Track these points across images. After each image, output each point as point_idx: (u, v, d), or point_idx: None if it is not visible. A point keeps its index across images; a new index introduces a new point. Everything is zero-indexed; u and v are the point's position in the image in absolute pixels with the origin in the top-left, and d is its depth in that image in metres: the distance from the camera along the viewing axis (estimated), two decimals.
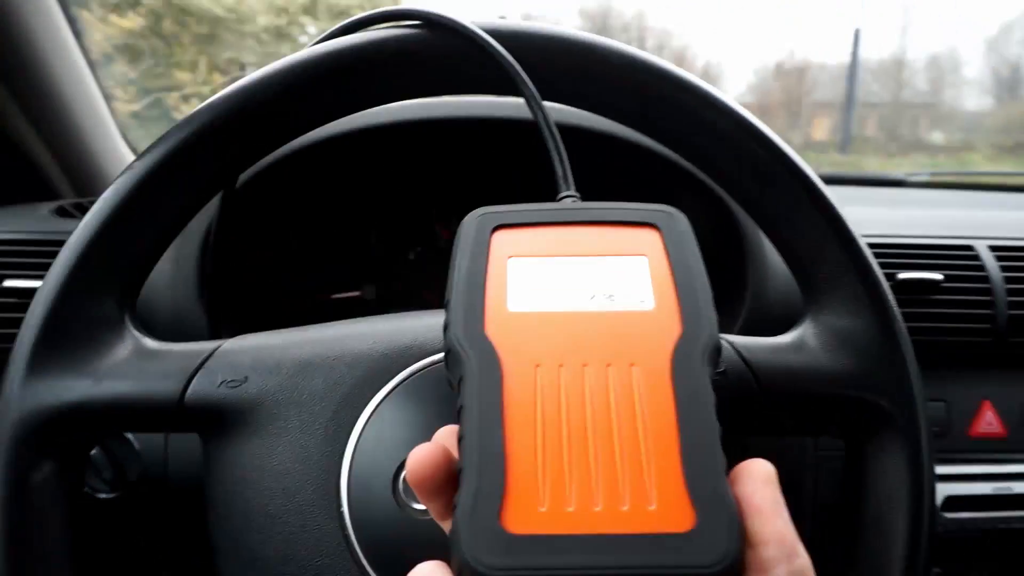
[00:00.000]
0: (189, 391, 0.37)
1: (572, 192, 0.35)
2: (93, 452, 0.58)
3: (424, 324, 0.40)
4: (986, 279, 0.67)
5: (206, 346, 0.39)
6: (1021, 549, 0.68)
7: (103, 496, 0.59)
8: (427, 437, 0.36)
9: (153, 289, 0.59)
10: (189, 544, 0.62)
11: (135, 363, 0.38)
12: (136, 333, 0.39)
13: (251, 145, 0.41)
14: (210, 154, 0.40)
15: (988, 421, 0.67)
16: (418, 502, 0.36)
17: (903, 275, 0.65)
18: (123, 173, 0.39)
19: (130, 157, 0.93)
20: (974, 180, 1.25)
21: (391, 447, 0.36)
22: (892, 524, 0.40)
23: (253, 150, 0.41)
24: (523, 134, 0.65)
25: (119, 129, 0.91)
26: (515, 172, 0.72)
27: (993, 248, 0.69)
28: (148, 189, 0.39)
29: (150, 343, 0.39)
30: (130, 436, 0.58)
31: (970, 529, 0.66)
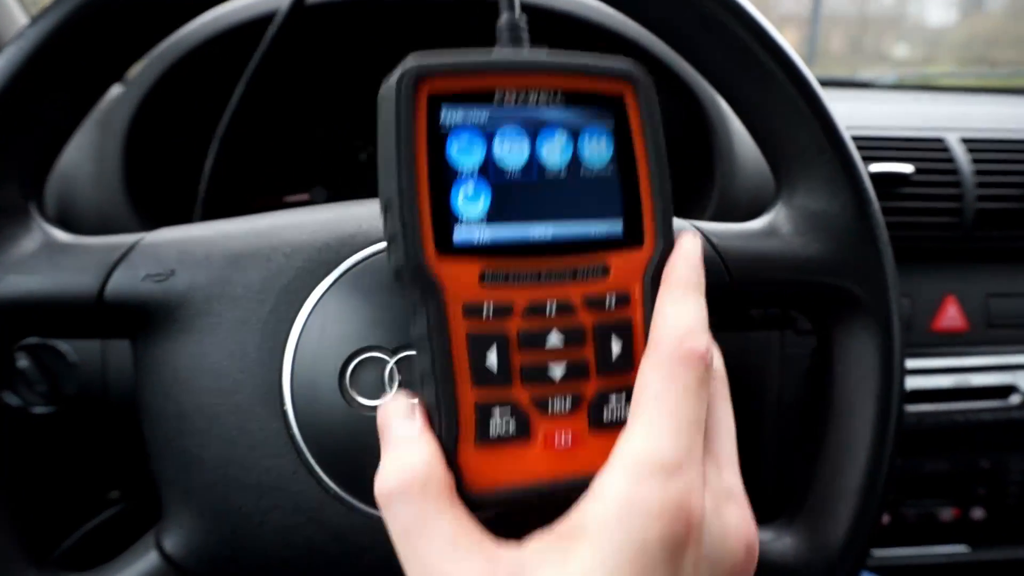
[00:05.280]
0: (108, 286, 0.34)
1: (517, 21, 0.29)
2: (24, 364, 0.54)
3: (369, 212, 0.37)
4: (955, 171, 0.66)
5: (126, 239, 0.35)
6: (976, 440, 0.70)
7: (40, 411, 0.56)
8: (375, 330, 0.34)
9: (75, 188, 0.55)
10: (137, 459, 0.59)
11: (45, 257, 0.34)
12: (45, 225, 0.35)
13: (166, 5, 0.36)
14: (115, 16, 0.35)
15: (951, 316, 0.67)
16: (366, 397, 0.33)
17: (874, 167, 0.63)
18: (13, 41, 0.34)
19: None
20: (941, 82, 1.23)
21: (336, 341, 0.34)
22: (860, 412, 0.39)
23: (169, 11, 0.37)
24: (485, 15, 0.60)
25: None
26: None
27: (964, 140, 0.67)
28: (44, 59, 0.34)
29: (62, 236, 0.36)
30: (64, 347, 0.55)
31: (929, 422, 0.67)
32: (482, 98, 0.26)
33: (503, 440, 0.26)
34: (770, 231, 0.39)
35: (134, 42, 0.37)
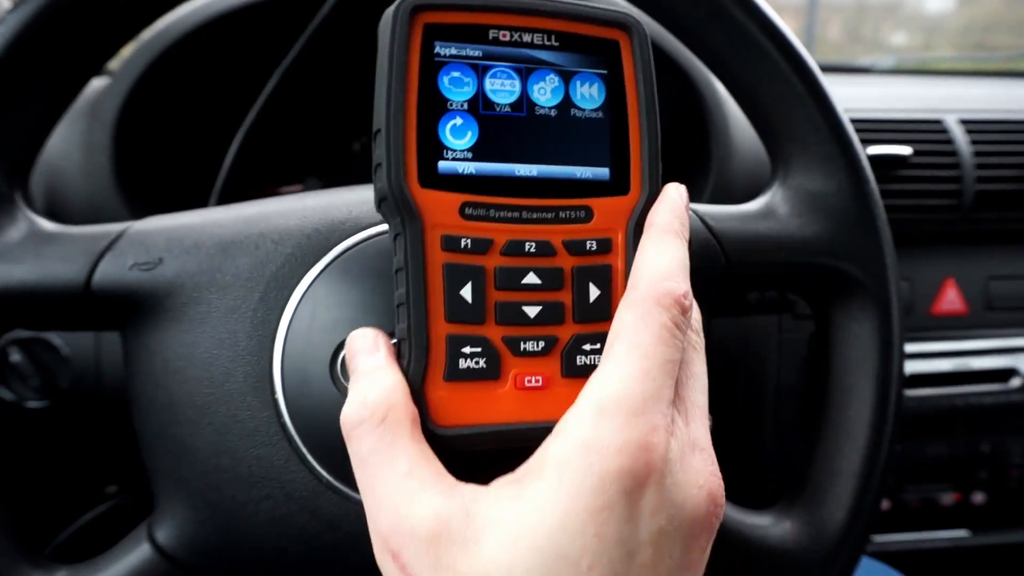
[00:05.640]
0: (96, 275, 0.33)
1: None
2: (17, 358, 0.54)
3: (359, 198, 0.37)
4: (954, 153, 0.65)
5: (113, 227, 0.35)
6: (977, 424, 0.70)
7: (34, 405, 0.55)
8: (366, 316, 0.33)
9: (65, 179, 0.55)
10: (134, 452, 0.59)
11: (31, 247, 0.34)
12: (31, 214, 0.35)
13: None
14: (97, 3, 0.34)
15: (950, 299, 0.67)
16: None
17: (872, 150, 0.63)
18: None
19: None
20: (939, 66, 1.22)
21: (327, 328, 0.33)
22: (859, 394, 0.39)
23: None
24: None
25: None
26: None
27: (963, 121, 0.67)
28: (25, 46, 0.33)
29: (48, 225, 0.35)
30: (57, 340, 0.55)
31: (929, 406, 0.66)
32: (477, 35, 0.26)
33: (472, 377, 0.25)
34: (767, 212, 0.39)
35: (117, 30, 0.37)
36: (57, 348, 0.54)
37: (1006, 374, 0.69)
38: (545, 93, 0.27)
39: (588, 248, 0.27)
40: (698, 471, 0.24)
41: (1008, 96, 0.79)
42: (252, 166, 0.70)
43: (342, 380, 0.33)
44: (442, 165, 0.26)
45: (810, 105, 0.38)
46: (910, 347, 0.66)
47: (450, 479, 0.23)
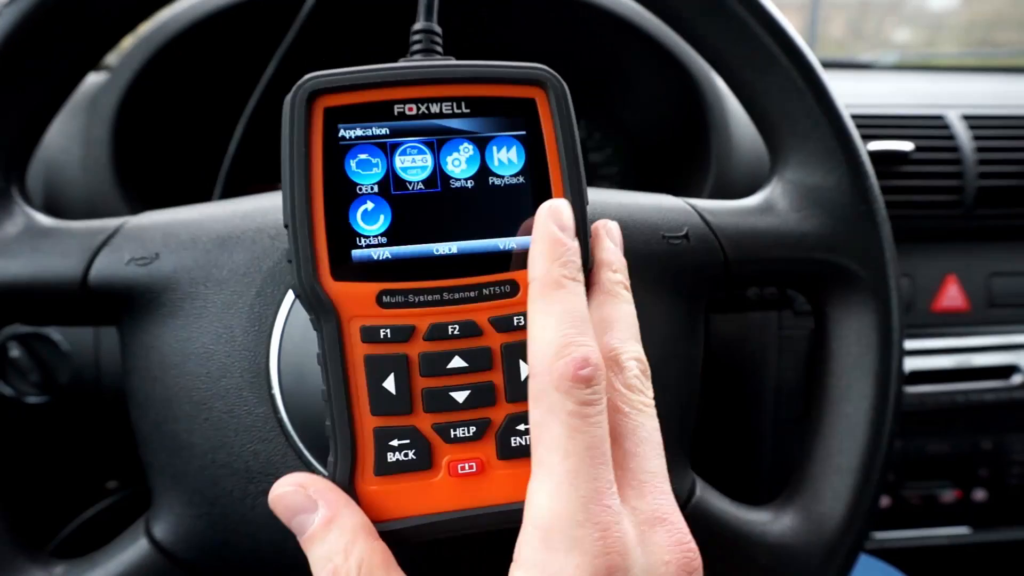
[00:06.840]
0: (93, 270, 0.33)
1: (432, 28, 0.28)
2: (16, 353, 0.54)
3: None
4: (956, 149, 0.65)
5: (110, 222, 0.35)
6: (978, 421, 0.69)
7: (33, 400, 0.55)
8: None
9: (63, 174, 0.55)
10: (133, 447, 0.59)
11: (27, 241, 0.34)
12: (27, 209, 0.35)
13: None
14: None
15: (952, 296, 0.67)
16: None
17: (873, 146, 0.62)
18: None
19: None
20: (942, 62, 1.22)
21: None
22: (858, 390, 0.38)
23: None
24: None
25: None
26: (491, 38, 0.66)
27: (965, 117, 0.66)
28: (23, 37, 0.33)
29: (45, 220, 0.35)
30: (56, 336, 0.55)
31: (930, 403, 0.66)
32: (381, 112, 0.25)
33: (403, 469, 0.25)
34: (766, 207, 0.39)
35: (115, 23, 0.37)
36: (56, 343, 0.54)
37: (1007, 371, 0.69)
38: (460, 164, 0.26)
39: (516, 324, 0.26)
40: (662, 547, 0.23)
41: (1011, 92, 0.78)
42: (250, 161, 0.70)
43: None
44: (356, 254, 0.25)
45: (809, 99, 0.38)
46: (911, 344, 0.66)
47: None
